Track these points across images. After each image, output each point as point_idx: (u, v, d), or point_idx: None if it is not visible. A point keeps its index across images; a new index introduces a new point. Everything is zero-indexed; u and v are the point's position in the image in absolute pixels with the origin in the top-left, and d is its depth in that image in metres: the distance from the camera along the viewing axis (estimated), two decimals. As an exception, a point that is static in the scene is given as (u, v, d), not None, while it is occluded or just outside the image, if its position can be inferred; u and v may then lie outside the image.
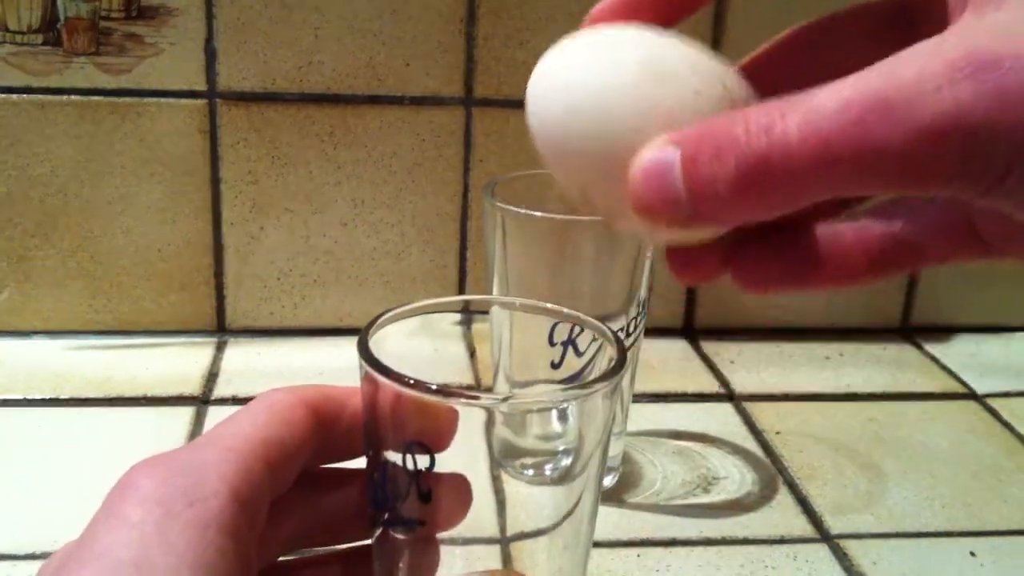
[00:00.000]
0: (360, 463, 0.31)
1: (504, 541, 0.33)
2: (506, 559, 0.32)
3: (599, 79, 0.24)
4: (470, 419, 0.28)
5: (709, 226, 0.23)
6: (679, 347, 0.71)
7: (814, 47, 0.28)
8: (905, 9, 0.26)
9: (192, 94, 0.63)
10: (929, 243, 0.24)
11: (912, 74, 0.19)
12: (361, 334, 0.29)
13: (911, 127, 0.19)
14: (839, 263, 0.24)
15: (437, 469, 0.28)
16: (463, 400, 0.27)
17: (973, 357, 0.71)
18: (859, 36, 0.27)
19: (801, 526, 0.51)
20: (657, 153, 0.22)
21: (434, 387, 0.27)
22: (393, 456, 0.29)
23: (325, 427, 0.30)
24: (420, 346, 0.32)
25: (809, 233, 0.25)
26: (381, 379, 0.27)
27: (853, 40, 0.27)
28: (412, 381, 0.27)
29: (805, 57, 0.28)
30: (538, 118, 0.25)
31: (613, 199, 0.24)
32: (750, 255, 0.24)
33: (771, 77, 0.27)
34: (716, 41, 0.67)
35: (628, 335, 0.48)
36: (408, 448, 0.28)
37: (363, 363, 0.28)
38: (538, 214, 0.46)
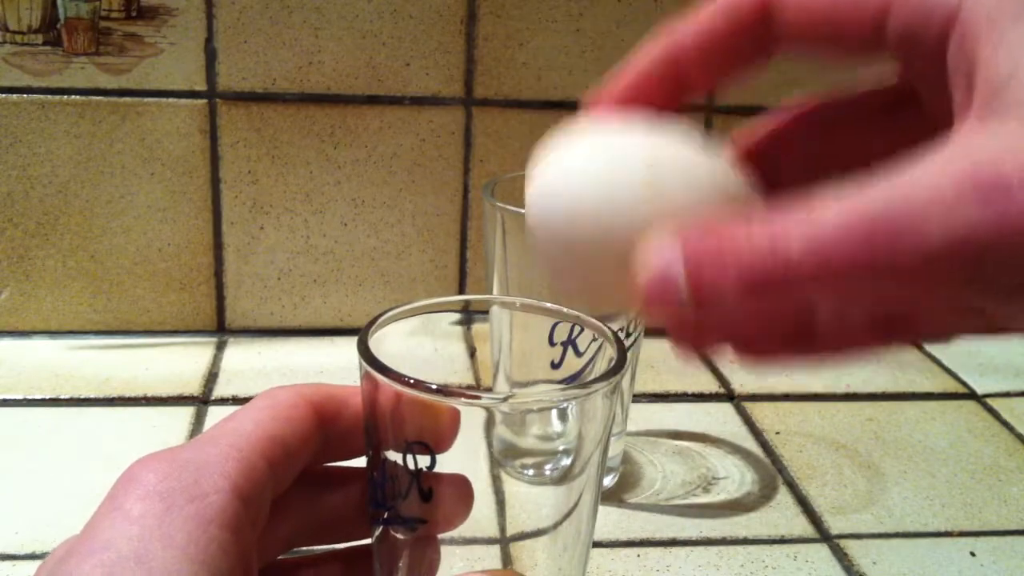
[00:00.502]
0: (361, 462, 0.31)
1: (504, 541, 0.33)
2: (506, 559, 0.32)
3: (602, 190, 0.24)
4: (470, 419, 0.28)
5: (714, 328, 0.24)
6: (679, 347, 0.71)
7: (817, 127, 0.28)
8: (907, 96, 0.26)
9: (192, 94, 0.63)
10: (930, 319, 0.24)
11: (921, 194, 0.19)
12: (361, 334, 0.29)
13: (921, 250, 0.19)
14: (838, 342, 0.24)
15: (437, 470, 0.28)
16: (463, 400, 0.27)
17: (973, 357, 0.71)
18: (862, 119, 0.27)
19: (801, 526, 0.51)
20: (660, 257, 0.22)
21: (434, 387, 0.27)
22: (393, 455, 0.29)
23: (326, 425, 0.30)
24: (420, 346, 0.32)
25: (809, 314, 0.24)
26: (381, 379, 0.27)
27: (856, 123, 0.27)
28: (412, 381, 0.27)
29: (808, 137, 0.28)
30: (538, 223, 0.25)
31: (614, 301, 0.25)
32: (750, 335, 0.24)
33: (772, 156, 0.27)
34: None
35: (628, 335, 0.48)
36: (408, 447, 0.28)
37: (363, 363, 0.28)
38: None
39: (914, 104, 0.26)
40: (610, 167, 0.24)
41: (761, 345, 0.25)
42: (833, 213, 0.20)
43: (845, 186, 0.20)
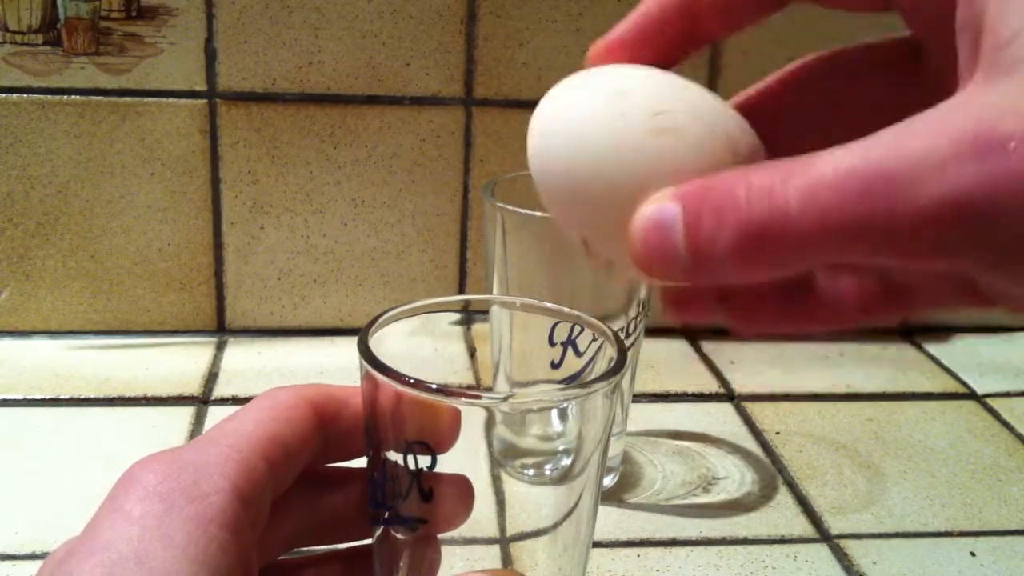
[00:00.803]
0: (361, 463, 0.31)
1: (504, 541, 0.33)
2: (506, 559, 0.32)
3: (602, 130, 0.23)
4: (470, 419, 0.28)
5: (707, 283, 0.23)
6: (679, 347, 0.71)
7: (820, 82, 0.27)
8: (912, 48, 0.26)
9: (192, 94, 0.63)
10: (923, 288, 0.24)
11: (918, 150, 0.19)
12: (361, 333, 0.29)
13: (914, 207, 0.19)
14: (833, 306, 0.24)
15: (437, 470, 0.28)
16: (463, 399, 0.27)
17: (973, 357, 0.71)
18: (866, 72, 0.27)
19: (801, 526, 0.51)
20: (658, 210, 0.22)
21: (434, 386, 0.27)
22: (394, 455, 0.29)
23: (327, 426, 0.30)
24: (420, 346, 0.32)
25: (803, 277, 0.24)
26: (381, 378, 0.27)
27: (859, 76, 0.27)
28: (412, 380, 0.27)
29: (811, 92, 0.27)
30: (539, 163, 0.25)
31: (613, 249, 0.24)
32: (744, 298, 0.24)
33: (776, 111, 0.27)
34: (713, 77, 0.67)
35: (628, 335, 0.48)
36: (409, 447, 0.28)
37: (363, 362, 0.28)
38: (538, 214, 0.45)
39: (920, 61, 0.25)
40: (614, 110, 0.23)
41: (755, 307, 0.24)
42: (831, 167, 0.19)
43: (845, 142, 0.20)
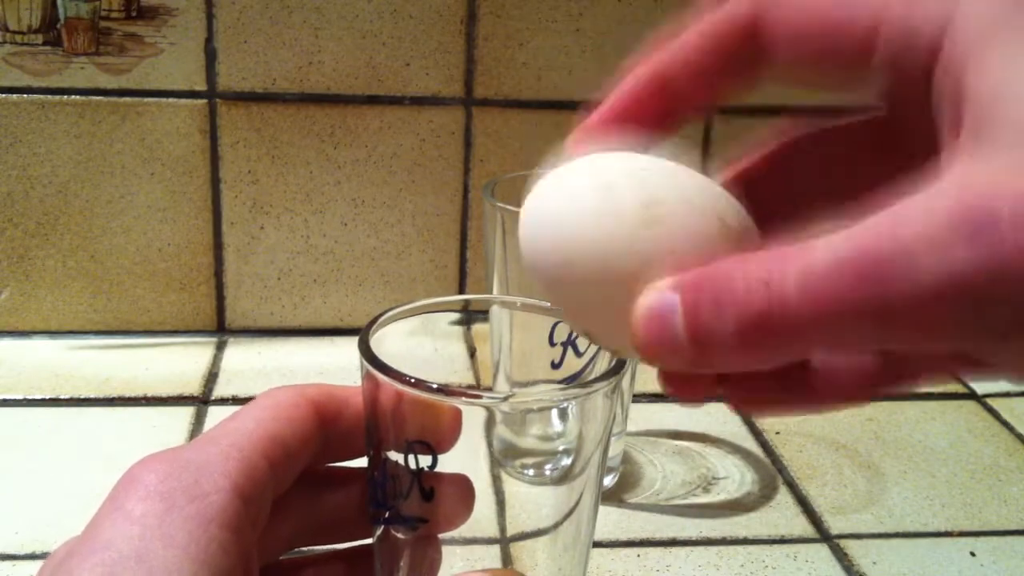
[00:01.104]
0: (362, 462, 0.31)
1: (504, 541, 0.33)
2: (506, 559, 0.32)
3: (593, 229, 0.23)
4: (471, 418, 0.28)
5: (711, 371, 0.23)
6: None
7: (805, 157, 0.27)
8: (891, 130, 0.26)
9: (192, 94, 0.63)
10: (923, 362, 0.24)
11: (908, 233, 0.19)
12: (362, 333, 0.29)
13: (910, 292, 0.19)
14: (832, 388, 0.24)
15: (437, 469, 0.28)
16: (464, 399, 0.27)
17: (973, 357, 0.71)
18: (850, 148, 0.27)
19: (801, 526, 0.51)
20: (658, 299, 0.22)
21: (435, 386, 0.27)
22: (394, 455, 0.29)
23: (327, 425, 0.30)
24: (420, 346, 0.32)
25: (803, 360, 0.24)
26: (382, 378, 0.27)
27: (843, 152, 0.27)
28: (413, 380, 0.27)
29: (798, 168, 0.27)
30: (533, 262, 0.24)
31: (616, 340, 0.24)
32: (743, 380, 0.24)
33: (765, 187, 0.27)
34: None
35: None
36: (409, 447, 0.28)
37: (364, 362, 0.28)
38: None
39: (902, 131, 0.25)
40: (604, 211, 0.23)
41: (757, 392, 0.24)
42: (827, 254, 0.19)
43: (837, 222, 0.20)
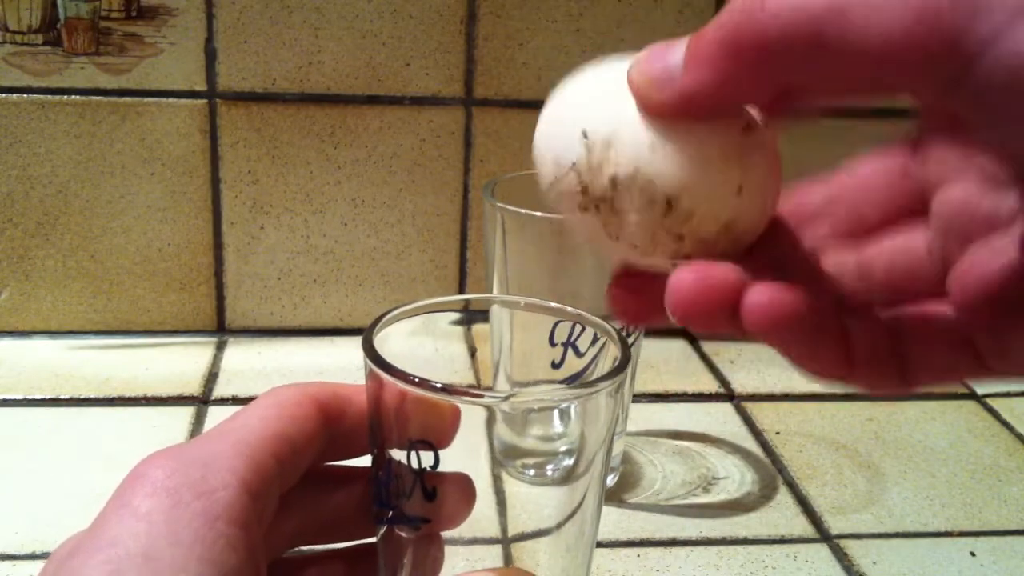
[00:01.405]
0: (365, 461, 0.31)
1: (506, 541, 0.33)
2: (508, 559, 0.32)
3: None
4: (472, 418, 0.28)
5: (700, 109, 0.24)
6: (679, 347, 0.71)
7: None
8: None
9: (192, 94, 0.63)
10: (924, 360, 0.24)
11: None
12: (366, 333, 0.29)
13: (883, 18, 0.20)
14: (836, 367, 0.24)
15: (439, 468, 0.28)
16: (468, 398, 0.27)
17: (972, 357, 0.71)
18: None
19: (801, 526, 0.51)
20: (660, 44, 0.24)
21: (439, 385, 0.27)
22: (398, 454, 0.29)
23: (331, 424, 0.30)
24: (421, 346, 0.32)
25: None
26: (386, 377, 0.27)
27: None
28: (417, 379, 0.27)
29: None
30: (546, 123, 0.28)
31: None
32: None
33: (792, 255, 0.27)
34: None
35: (628, 335, 0.48)
36: (412, 446, 0.28)
37: (368, 361, 0.28)
38: (538, 214, 0.46)
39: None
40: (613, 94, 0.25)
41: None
42: None
43: None
